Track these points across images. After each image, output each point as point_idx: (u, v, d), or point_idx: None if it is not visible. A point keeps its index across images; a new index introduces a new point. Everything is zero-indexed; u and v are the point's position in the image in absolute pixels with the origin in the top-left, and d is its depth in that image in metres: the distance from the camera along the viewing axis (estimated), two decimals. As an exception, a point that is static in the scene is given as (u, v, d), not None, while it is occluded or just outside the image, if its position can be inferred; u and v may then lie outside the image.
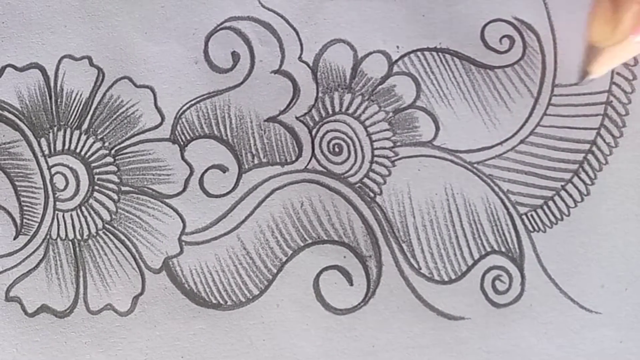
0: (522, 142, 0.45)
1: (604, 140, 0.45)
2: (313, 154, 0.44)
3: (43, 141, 0.43)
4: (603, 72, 0.44)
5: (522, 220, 0.45)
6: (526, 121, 0.45)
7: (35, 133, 0.43)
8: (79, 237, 0.43)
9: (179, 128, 0.44)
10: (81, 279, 0.43)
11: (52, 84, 0.44)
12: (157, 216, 0.43)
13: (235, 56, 0.45)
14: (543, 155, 0.45)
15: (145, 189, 0.44)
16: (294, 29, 0.45)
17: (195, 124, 0.44)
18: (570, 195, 0.45)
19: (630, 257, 0.45)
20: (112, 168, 0.44)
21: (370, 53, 0.45)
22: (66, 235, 0.43)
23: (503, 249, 0.45)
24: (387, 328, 0.44)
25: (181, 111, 0.44)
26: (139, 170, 0.44)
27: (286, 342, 0.43)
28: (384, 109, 0.45)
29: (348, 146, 0.45)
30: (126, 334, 0.43)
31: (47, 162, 0.43)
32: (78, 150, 0.44)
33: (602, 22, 0.41)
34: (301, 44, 0.45)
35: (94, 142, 0.44)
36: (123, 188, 0.44)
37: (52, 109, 0.44)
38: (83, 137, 0.44)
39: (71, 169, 0.44)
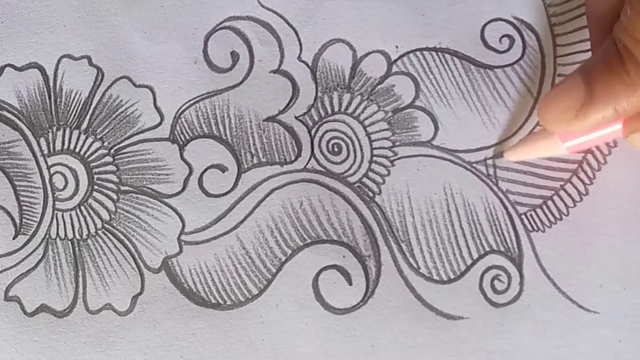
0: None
1: (603, 140, 0.45)
2: (312, 154, 0.44)
3: (42, 141, 0.43)
4: (514, 159, 0.44)
5: (521, 219, 0.45)
6: (525, 121, 0.45)
7: (34, 133, 0.43)
8: (78, 236, 0.43)
9: (178, 128, 0.44)
10: (80, 279, 0.43)
11: (51, 84, 0.44)
12: (157, 216, 0.43)
13: (235, 56, 0.44)
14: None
15: (145, 188, 0.44)
16: (293, 29, 0.45)
17: (195, 124, 0.44)
18: (569, 195, 0.45)
19: (629, 257, 0.45)
20: (112, 168, 0.44)
21: (370, 53, 0.45)
22: (65, 234, 0.43)
23: (502, 249, 0.45)
24: (386, 328, 0.44)
25: (180, 111, 0.44)
26: (138, 169, 0.44)
27: (285, 341, 0.43)
28: (383, 108, 0.45)
29: (347, 146, 0.45)
30: (125, 333, 0.43)
31: (46, 162, 0.43)
32: (77, 150, 0.44)
33: (567, 104, 0.41)
34: (300, 44, 0.45)
35: (93, 142, 0.44)
36: (122, 188, 0.44)
37: (51, 108, 0.44)
38: (82, 137, 0.44)
39: (70, 168, 0.44)
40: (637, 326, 0.44)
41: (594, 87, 0.39)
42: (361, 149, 0.45)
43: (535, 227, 0.45)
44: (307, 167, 0.44)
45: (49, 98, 0.44)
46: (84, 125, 0.44)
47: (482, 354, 0.44)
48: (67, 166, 0.43)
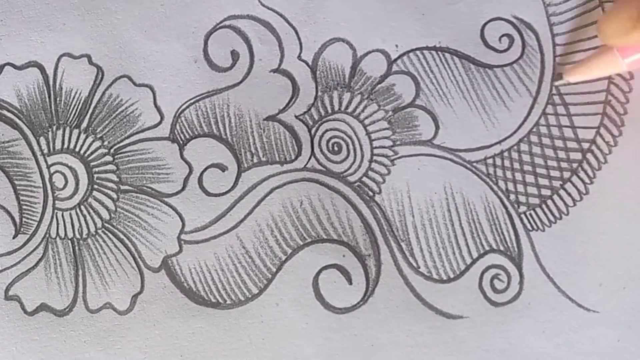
0: (521, 141, 0.45)
1: (604, 140, 0.45)
2: (312, 153, 0.44)
3: (42, 140, 0.43)
4: (574, 79, 0.44)
5: (521, 219, 0.45)
6: (525, 120, 0.45)
7: (34, 132, 0.43)
8: (78, 236, 0.43)
9: (178, 127, 0.44)
10: (80, 278, 0.43)
11: (51, 83, 0.44)
12: (157, 215, 0.43)
13: (235, 55, 0.44)
14: (542, 154, 0.45)
15: (145, 187, 0.44)
16: (294, 28, 0.45)
17: (195, 123, 0.44)
18: (569, 195, 0.45)
19: (629, 256, 0.45)
20: (111, 167, 0.44)
21: (370, 52, 0.45)
22: (65, 234, 0.43)
23: (502, 248, 0.45)
24: (386, 327, 0.44)
25: (180, 110, 0.44)
26: (138, 169, 0.44)
27: (285, 341, 0.43)
28: (383, 107, 0.45)
29: (347, 145, 0.45)
30: (125, 332, 0.43)
31: (46, 161, 0.43)
32: (77, 149, 0.43)
33: (626, 15, 0.40)
34: (300, 43, 0.45)
35: (93, 141, 0.44)
36: (122, 187, 0.44)
37: (51, 107, 0.43)
38: (82, 136, 0.44)
39: (70, 167, 0.43)
40: (636, 325, 0.45)
41: None
42: (361, 148, 0.45)
43: (535, 227, 0.45)
44: (307, 166, 0.44)
45: (49, 97, 0.44)
46: (84, 125, 0.44)
47: (482, 353, 0.44)
48: (67, 165, 0.43)
